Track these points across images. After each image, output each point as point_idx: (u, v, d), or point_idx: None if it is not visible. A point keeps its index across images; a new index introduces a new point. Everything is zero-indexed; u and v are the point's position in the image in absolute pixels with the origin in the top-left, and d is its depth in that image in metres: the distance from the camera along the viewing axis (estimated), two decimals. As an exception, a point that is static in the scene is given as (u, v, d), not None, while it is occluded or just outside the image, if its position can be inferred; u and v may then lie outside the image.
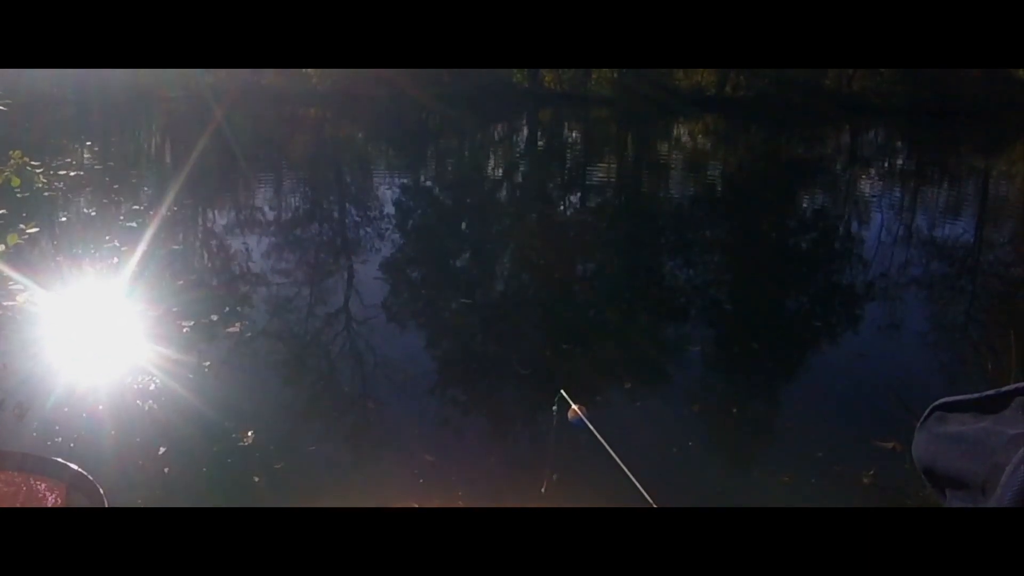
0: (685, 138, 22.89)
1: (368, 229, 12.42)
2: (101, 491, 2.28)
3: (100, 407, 5.73)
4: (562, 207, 14.70)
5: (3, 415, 4.10)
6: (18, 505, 2.37)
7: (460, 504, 4.74)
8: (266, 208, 13.66)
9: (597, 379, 6.63)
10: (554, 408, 3.41)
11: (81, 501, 2.36)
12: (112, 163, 15.79)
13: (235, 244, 10.99)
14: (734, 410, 6.26)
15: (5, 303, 3.48)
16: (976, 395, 0.70)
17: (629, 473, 3.02)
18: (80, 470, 2.36)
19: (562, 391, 3.41)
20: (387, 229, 12.23)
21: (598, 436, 3.12)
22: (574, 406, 3.32)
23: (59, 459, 2.39)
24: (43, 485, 2.38)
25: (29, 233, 3.84)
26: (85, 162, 15.26)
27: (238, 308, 8.00)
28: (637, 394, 6.46)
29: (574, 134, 24.41)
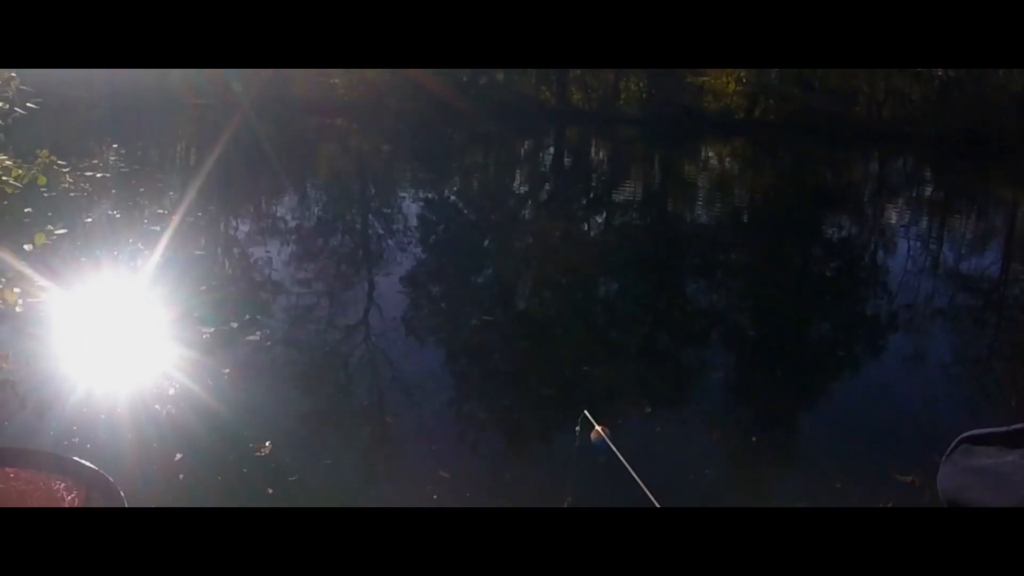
0: (712, 161, 22.86)
1: (390, 242, 12.47)
2: (121, 493, 2.29)
3: (119, 409, 5.75)
4: (586, 227, 14.70)
5: (24, 413, 4.13)
6: (37, 505, 2.39)
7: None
8: (289, 217, 13.74)
9: (617, 402, 6.61)
10: (577, 428, 3.40)
11: (100, 502, 2.37)
12: (138, 166, 15.92)
13: (257, 252, 11.05)
14: (753, 438, 6.23)
15: (30, 301, 3.51)
16: (1003, 429, 0.69)
17: (649, 494, 3.01)
18: (101, 472, 2.38)
19: (586, 412, 3.40)
20: (410, 243, 12.27)
21: (620, 458, 3.11)
22: (597, 427, 3.31)
23: (80, 459, 2.40)
24: (63, 485, 2.40)
25: (57, 234, 3.87)
26: (111, 164, 15.39)
27: (258, 316, 8.04)
28: (657, 418, 6.44)
29: (600, 153, 24.41)
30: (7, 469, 2.35)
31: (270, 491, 4.94)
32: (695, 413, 6.74)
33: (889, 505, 5.05)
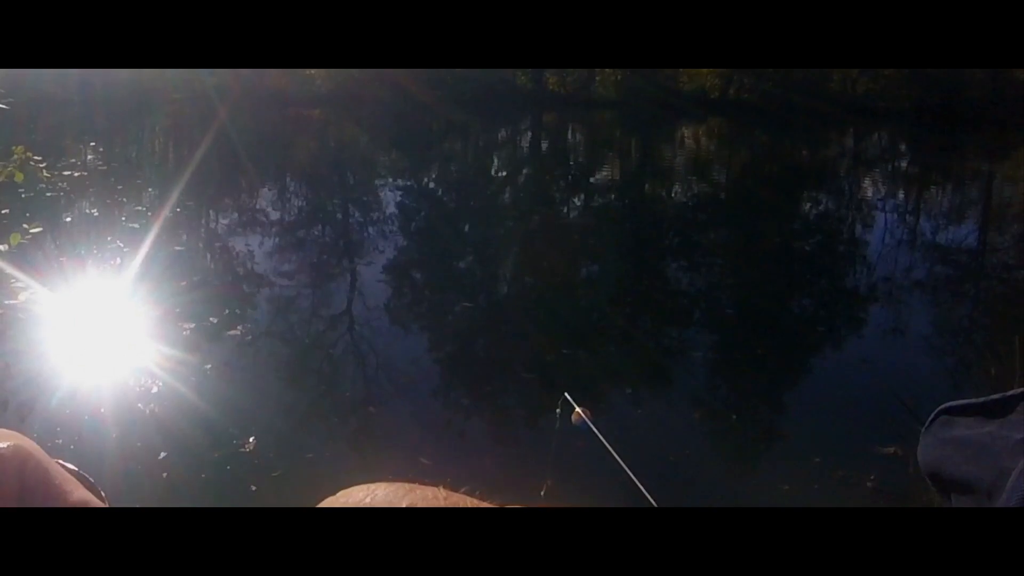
0: (689, 141, 22.86)
1: (370, 231, 12.45)
2: (103, 494, 2.28)
3: (102, 409, 5.73)
4: (565, 210, 14.71)
5: (6, 416, 4.10)
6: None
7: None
8: (269, 210, 13.69)
9: (598, 384, 6.63)
10: (557, 411, 3.41)
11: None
12: (116, 164, 15.82)
13: (237, 246, 11.01)
14: (734, 416, 6.25)
15: (7, 302, 3.48)
16: (982, 399, 0.69)
17: (632, 475, 3.02)
18: (83, 474, 2.36)
19: (566, 394, 3.41)
20: (390, 232, 12.25)
21: (602, 439, 3.12)
22: (578, 409, 3.32)
23: (62, 461, 2.39)
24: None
25: (32, 233, 3.83)
26: (88, 163, 15.28)
27: (238, 310, 8.01)
28: (638, 399, 6.46)
29: (578, 137, 24.41)
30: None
31: (253, 488, 4.93)
32: (676, 393, 6.76)
33: (873, 478, 5.09)
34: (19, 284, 3.61)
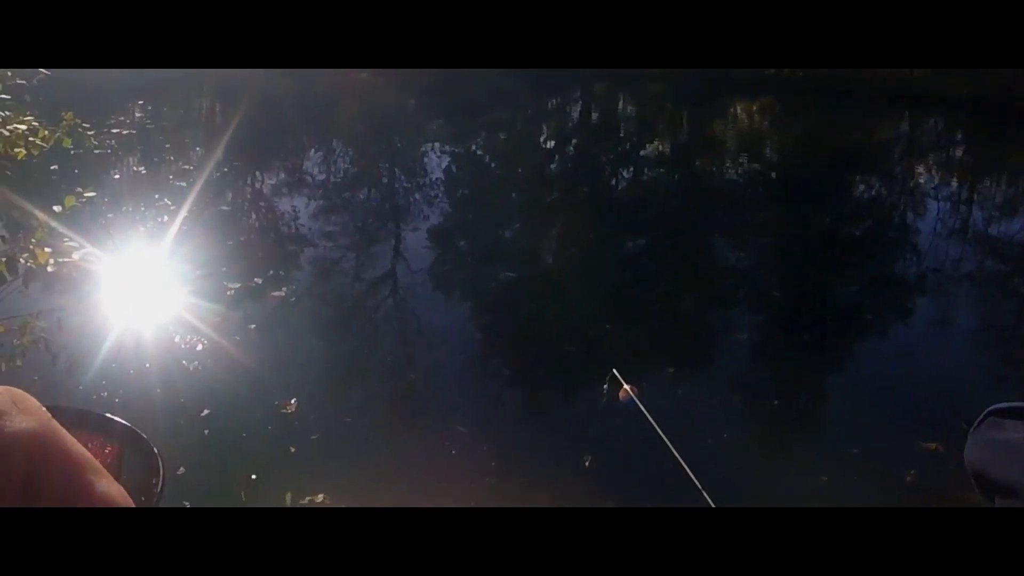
0: (741, 118, 22.58)
1: (416, 196, 12.48)
2: (156, 451, 2.35)
3: (147, 365, 5.85)
4: (614, 182, 14.63)
5: (55, 370, 4.21)
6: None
7: (487, 483, 4.78)
8: (315, 172, 13.77)
9: (641, 360, 6.61)
10: (605, 386, 3.44)
11: (135, 460, 2.44)
12: (164, 122, 15.96)
13: (283, 206, 11.11)
14: (775, 401, 6.24)
15: (61, 260, 3.56)
16: None
17: (677, 455, 3.04)
18: (134, 427, 2.43)
19: (614, 371, 3.43)
20: (435, 197, 12.25)
21: (649, 418, 3.14)
22: (626, 386, 3.34)
23: (116, 417, 2.46)
24: (97, 442, 2.47)
25: (87, 196, 3.91)
26: (137, 121, 15.44)
27: (282, 272, 8.10)
28: (679, 380, 6.45)
29: (628, 109, 24.21)
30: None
31: (292, 450, 5.02)
32: (718, 374, 6.74)
33: (913, 473, 5.06)
34: (72, 243, 3.69)
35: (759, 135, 20.29)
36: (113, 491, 0.51)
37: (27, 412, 0.45)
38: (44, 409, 0.50)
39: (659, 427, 3.12)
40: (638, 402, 3.26)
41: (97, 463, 0.55)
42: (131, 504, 0.59)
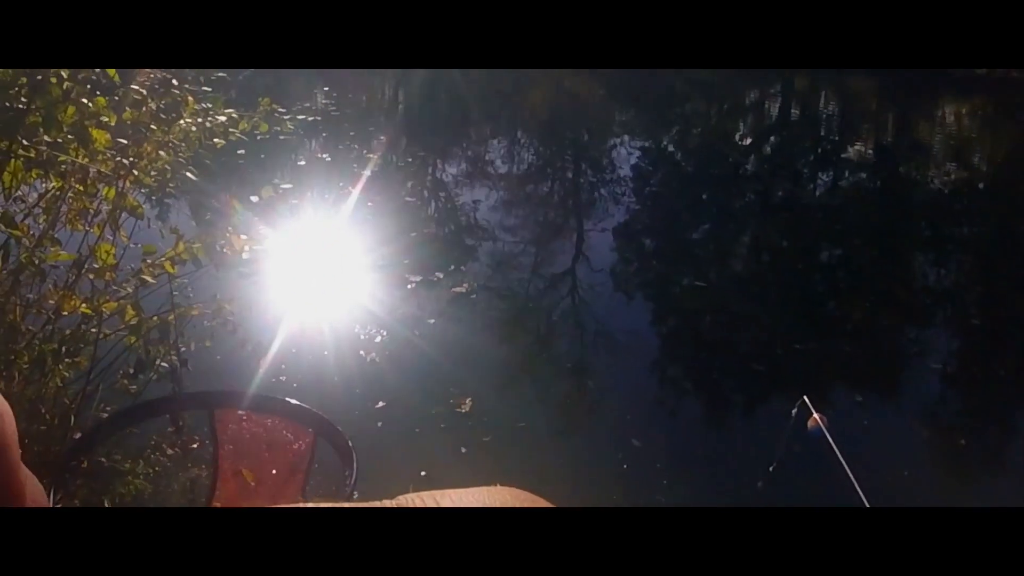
0: (950, 120, 21.41)
1: (601, 192, 12.53)
2: (350, 444, 2.56)
3: (325, 352, 6.18)
4: (812, 187, 14.28)
5: (243, 353, 4.55)
6: (263, 446, 2.70)
7: (661, 500, 4.81)
8: (499, 163, 14.01)
9: (827, 385, 6.47)
10: (793, 411, 3.43)
11: (327, 450, 2.66)
12: (348, 109, 16.60)
13: (466, 199, 11.39)
14: (962, 441, 6.00)
15: (256, 248, 3.87)
16: None
17: (860, 490, 3.01)
18: (332, 423, 2.66)
19: (805, 398, 3.42)
20: (623, 195, 12.25)
21: (836, 451, 3.12)
22: (816, 415, 3.32)
23: (312, 408, 2.70)
24: (292, 430, 2.70)
25: (283, 188, 4.23)
26: (321, 107, 16.13)
27: (464, 267, 8.33)
28: (867, 407, 6.27)
29: (831, 106, 23.48)
30: (239, 410, 2.68)
31: (463, 450, 5.18)
32: (906, 405, 6.49)
33: None
34: (264, 232, 4.00)
35: (969, 140, 19.23)
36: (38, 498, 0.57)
37: None
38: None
39: (845, 462, 3.10)
40: (827, 434, 3.24)
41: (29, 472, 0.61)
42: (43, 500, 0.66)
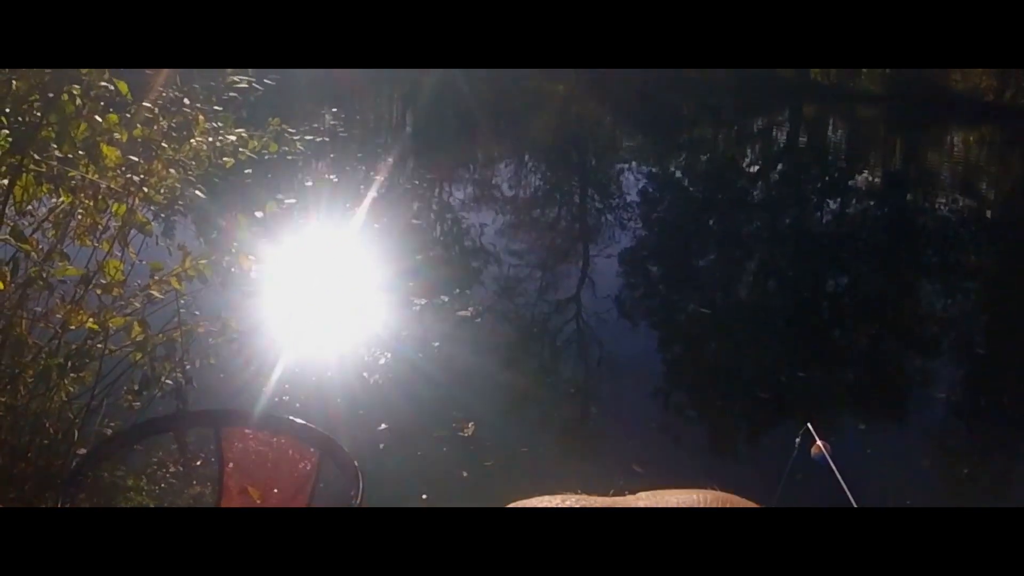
0: (957, 148, 21.45)
1: (607, 217, 12.57)
2: (356, 464, 2.57)
3: (329, 373, 6.19)
4: (819, 214, 14.31)
5: (247, 372, 4.57)
6: (268, 465, 2.71)
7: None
8: (505, 187, 14.05)
9: (832, 414, 6.47)
10: (797, 439, 3.41)
11: (332, 469, 2.67)
12: (356, 130, 16.67)
13: (471, 222, 11.41)
14: (966, 471, 5.99)
15: (259, 266, 3.89)
16: None
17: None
18: (337, 442, 2.67)
19: (809, 424, 3.41)
20: (629, 220, 12.29)
21: (840, 479, 3.10)
22: (819, 442, 3.31)
23: (317, 428, 2.71)
24: (298, 450, 2.71)
25: (287, 204, 4.25)
26: (329, 128, 16.18)
27: (469, 291, 8.35)
28: (869, 438, 6.27)
29: (839, 133, 23.55)
30: (245, 429, 2.68)
31: (465, 474, 5.18)
32: (909, 436, 6.49)
33: None
34: (271, 251, 4.02)
35: (979, 167, 19.27)
36: None
37: None
38: None
39: (849, 491, 3.09)
40: (831, 461, 3.23)
41: None
42: None
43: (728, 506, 0.57)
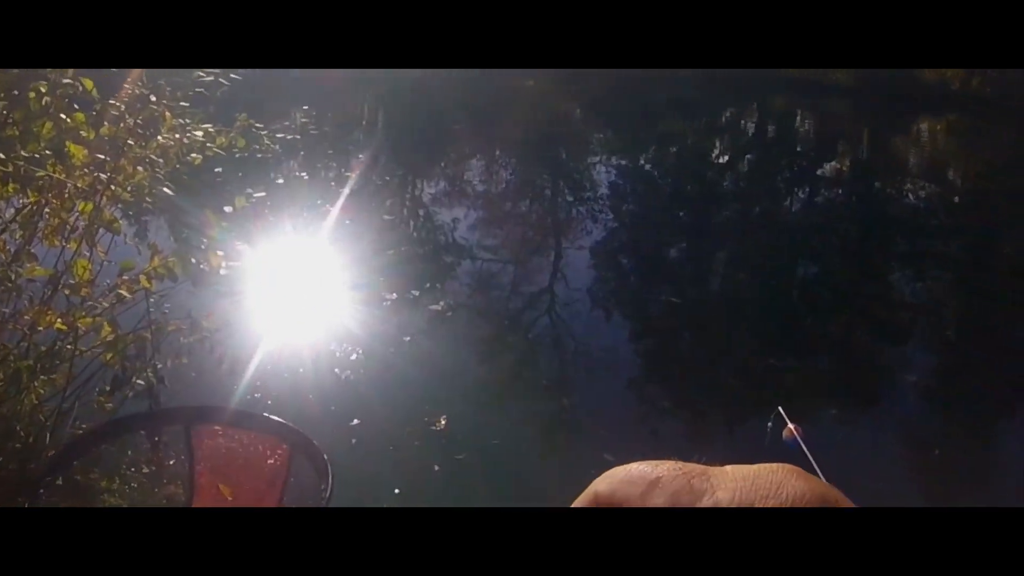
0: (924, 137, 21.56)
1: (578, 210, 12.59)
2: (326, 458, 2.56)
3: (301, 370, 6.17)
4: (788, 203, 14.38)
5: (220, 370, 4.55)
6: (240, 461, 2.70)
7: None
8: (478, 183, 14.05)
9: (804, 399, 6.52)
10: (768, 424, 3.42)
11: (303, 464, 2.66)
12: (327, 128, 16.57)
13: (444, 217, 11.41)
14: (937, 451, 6.06)
15: (231, 264, 3.86)
16: None
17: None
18: (309, 437, 2.66)
19: (780, 408, 3.42)
20: (599, 212, 12.32)
21: (812, 461, 3.12)
22: (791, 425, 3.32)
23: (288, 423, 2.70)
24: (269, 445, 2.70)
25: (256, 197, 4.22)
26: (301, 126, 16.06)
27: (439, 285, 8.35)
28: (842, 422, 6.33)
29: (807, 124, 23.65)
30: (216, 426, 2.67)
31: (436, 468, 5.18)
32: (881, 419, 6.57)
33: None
34: (241, 249, 3.99)
35: (946, 156, 19.42)
36: None
37: None
38: None
39: (821, 472, 3.11)
40: (802, 443, 3.24)
41: None
42: None
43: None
